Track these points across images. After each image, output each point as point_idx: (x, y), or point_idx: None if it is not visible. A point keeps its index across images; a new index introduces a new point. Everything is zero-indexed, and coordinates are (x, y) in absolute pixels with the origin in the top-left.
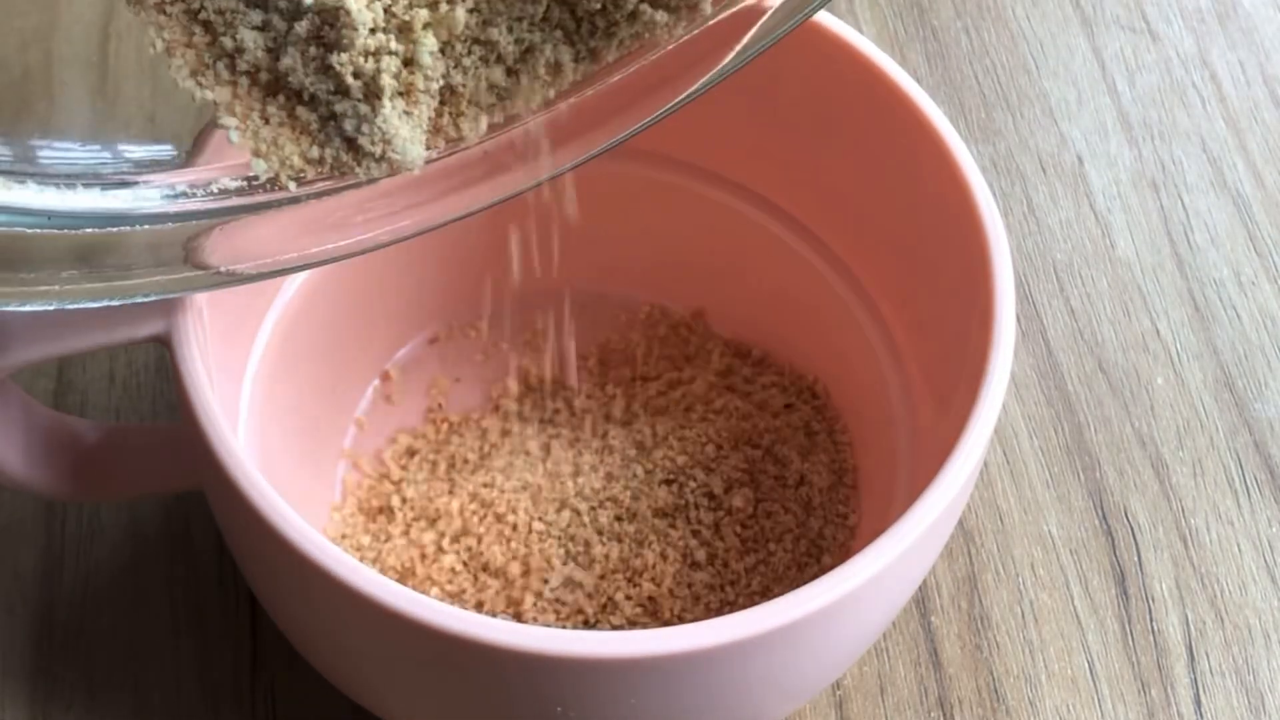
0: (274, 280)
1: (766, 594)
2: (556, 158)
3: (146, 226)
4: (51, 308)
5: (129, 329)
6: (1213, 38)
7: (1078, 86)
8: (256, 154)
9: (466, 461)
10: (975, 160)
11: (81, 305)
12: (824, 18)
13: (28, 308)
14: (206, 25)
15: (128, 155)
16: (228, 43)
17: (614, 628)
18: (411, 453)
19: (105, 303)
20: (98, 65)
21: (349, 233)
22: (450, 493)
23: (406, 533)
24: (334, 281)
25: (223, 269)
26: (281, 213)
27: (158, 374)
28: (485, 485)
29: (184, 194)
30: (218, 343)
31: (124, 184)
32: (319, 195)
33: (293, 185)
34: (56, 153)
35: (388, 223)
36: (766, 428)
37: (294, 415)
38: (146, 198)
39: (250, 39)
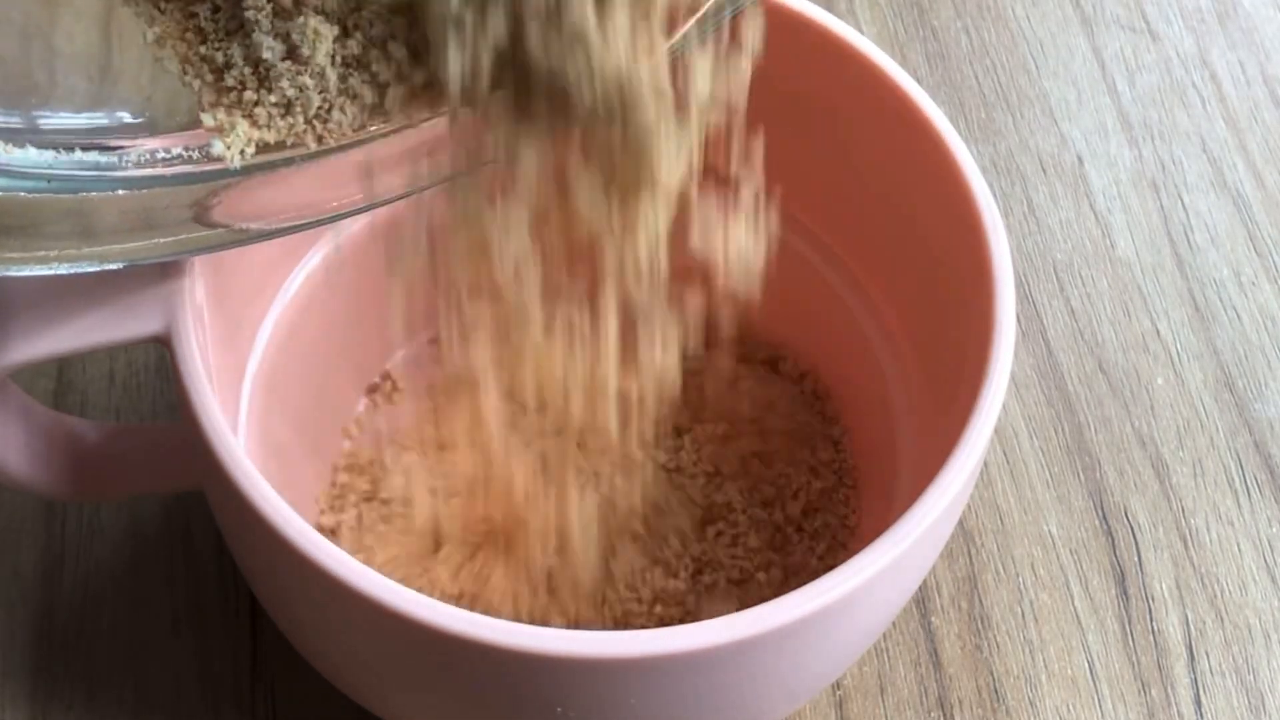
0: (274, 280)
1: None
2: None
3: (146, 190)
4: (52, 271)
5: (129, 328)
6: (1213, 38)
7: (1078, 86)
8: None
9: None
10: (975, 160)
11: (83, 269)
12: (824, 17)
13: (27, 271)
14: (200, 31)
15: (127, 120)
16: (219, 57)
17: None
18: (412, 453)
19: (105, 266)
20: (101, 40)
21: (354, 190)
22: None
23: (407, 533)
24: (334, 281)
25: (235, 226)
26: (287, 173)
27: (158, 374)
28: (487, 485)
29: (179, 157)
30: (218, 343)
31: (123, 146)
32: (325, 153)
33: (237, 160)
34: (56, 118)
35: (395, 177)
36: (767, 428)
37: (294, 415)
38: (146, 160)
39: (240, 54)
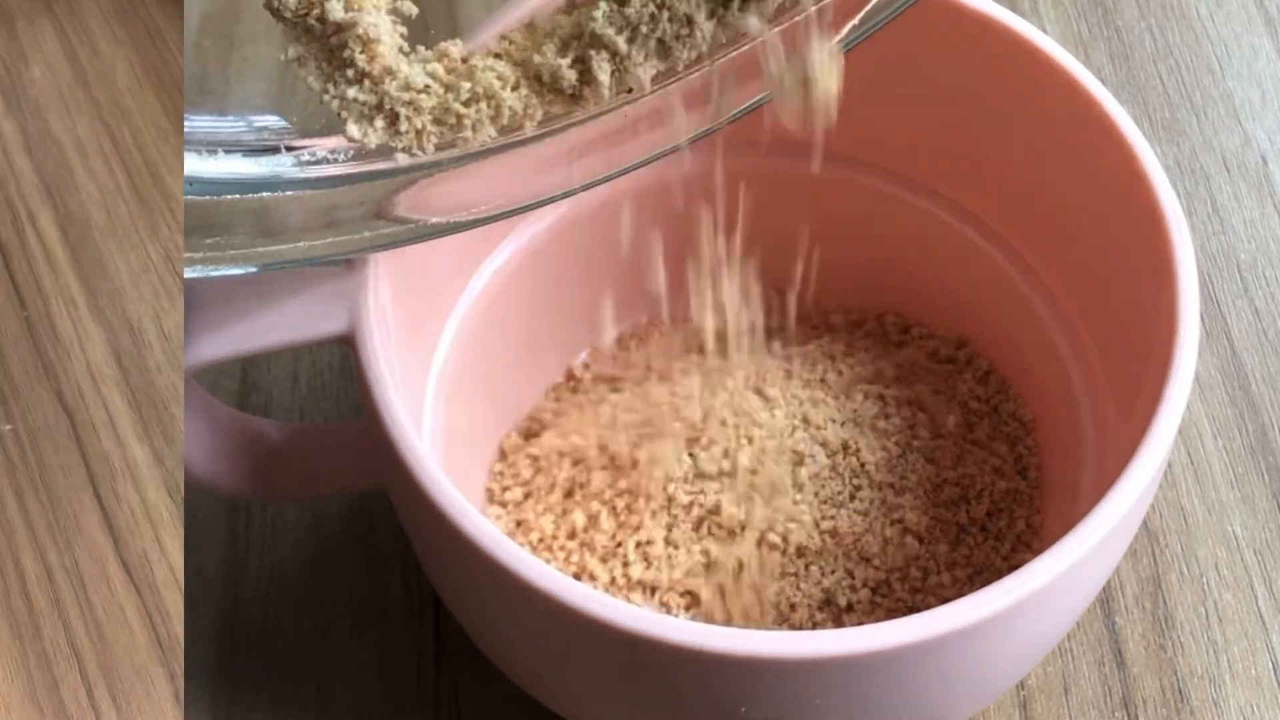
0: (458, 279)
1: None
2: (715, 110)
3: (326, 190)
4: (233, 271)
5: (313, 328)
6: None
7: (1262, 87)
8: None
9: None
10: (1159, 160)
11: (263, 268)
12: (1008, 17)
13: (214, 272)
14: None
15: (265, 125)
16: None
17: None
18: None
19: (284, 264)
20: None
21: (544, 180)
22: (644, 495)
23: (591, 531)
24: (519, 280)
25: (417, 220)
26: (473, 167)
27: (342, 374)
28: (673, 483)
29: (325, 160)
30: (402, 342)
31: (298, 147)
32: (509, 146)
33: (404, 157)
34: (197, 123)
35: (562, 174)
36: (951, 427)
37: (479, 414)
38: (321, 159)
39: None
